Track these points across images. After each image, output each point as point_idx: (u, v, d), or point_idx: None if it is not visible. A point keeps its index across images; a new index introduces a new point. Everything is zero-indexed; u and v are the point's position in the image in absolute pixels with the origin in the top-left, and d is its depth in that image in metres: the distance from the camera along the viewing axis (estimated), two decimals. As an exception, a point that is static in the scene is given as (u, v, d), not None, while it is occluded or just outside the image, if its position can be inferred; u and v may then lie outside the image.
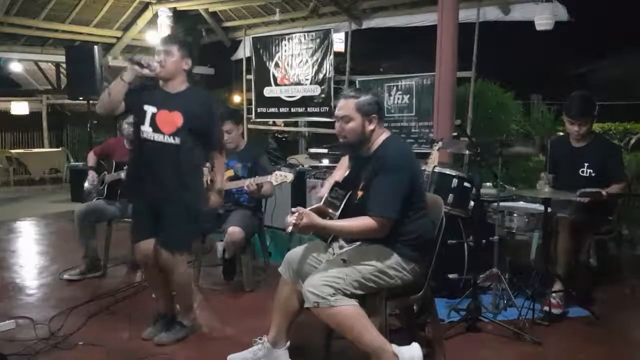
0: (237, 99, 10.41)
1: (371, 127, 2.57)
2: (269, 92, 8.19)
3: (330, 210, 2.58)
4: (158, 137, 3.00)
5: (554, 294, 3.43)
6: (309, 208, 2.47)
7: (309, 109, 7.76)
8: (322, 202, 2.62)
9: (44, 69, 11.48)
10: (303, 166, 5.55)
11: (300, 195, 5.06)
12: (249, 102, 8.55)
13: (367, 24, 7.79)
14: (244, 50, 8.95)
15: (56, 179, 10.43)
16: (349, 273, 2.41)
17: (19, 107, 10.76)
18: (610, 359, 3.02)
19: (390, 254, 2.51)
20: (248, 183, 3.81)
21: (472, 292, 3.32)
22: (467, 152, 4.23)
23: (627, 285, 3.90)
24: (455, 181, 3.73)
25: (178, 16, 8.75)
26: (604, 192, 3.58)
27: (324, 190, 2.77)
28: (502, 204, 3.78)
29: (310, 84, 7.67)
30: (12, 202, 8.42)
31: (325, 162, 5.53)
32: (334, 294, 2.35)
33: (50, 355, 2.93)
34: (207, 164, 4.12)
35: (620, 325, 3.42)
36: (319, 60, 7.54)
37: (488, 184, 4.24)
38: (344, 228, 2.50)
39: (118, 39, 9.65)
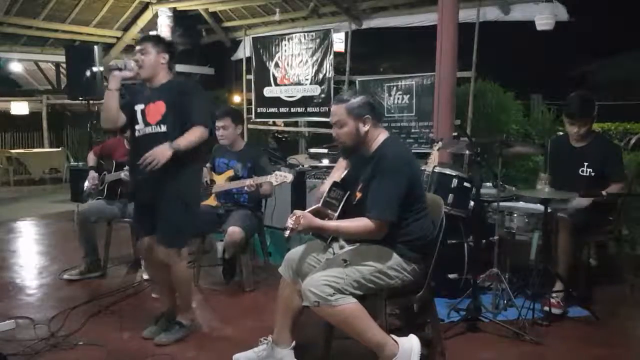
0: (237, 99, 10.41)
1: (365, 128, 2.57)
2: (269, 92, 8.19)
3: (329, 211, 2.58)
4: (148, 129, 3.05)
5: (554, 294, 3.43)
6: (307, 209, 2.47)
7: (308, 109, 7.76)
8: (320, 203, 2.62)
9: (44, 69, 11.48)
10: (303, 166, 5.55)
11: (300, 195, 5.06)
12: (249, 102, 8.55)
13: (367, 24, 7.79)
14: (244, 50, 8.95)
15: (56, 179, 10.43)
16: (349, 273, 2.42)
17: (19, 107, 10.75)
18: (610, 359, 3.02)
19: (391, 255, 2.51)
20: (248, 183, 3.81)
21: (472, 292, 3.32)
22: (467, 152, 4.22)
23: (627, 285, 3.90)
24: (455, 181, 3.73)
25: (178, 16, 8.75)
26: (604, 193, 3.59)
27: (321, 190, 2.78)
28: (502, 204, 3.78)
29: (310, 84, 7.67)
30: (12, 202, 8.42)
31: (325, 162, 5.53)
32: (333, 293, 2.36)
33: (50, 355, 2.93)
34: (207, 165, 4.15)
35: (620, 325, 3.42)
36: (319, 60, 7.54)
37: (488, 184, 4.24)
38: (342, 229, 2.51)
39: (118, 39, 9.65)
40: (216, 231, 4.08)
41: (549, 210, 3.45)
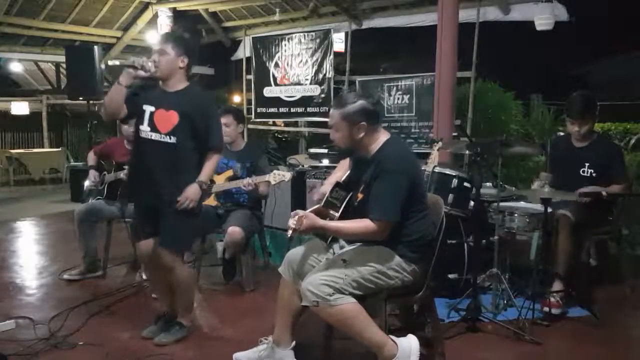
0: (237, 99, 10.42)
1: (360, 134, 2.56)
2: (268, 92, 8.19)
3: (331, 211, 2.58)
4: (155, 136, 2.99)
5: (553, 294, 3.43)
6: (309, 209, 2.47)
7: (308, 109, 7.76)
8: (322, 203, 2.62)
9: (44, 69, 11.48)
10: (303, 166, 5.55)
11: (300, 195, 5.06)
12: (249, 102, 8.55)
13: (367, 24, 7.79)
14: (244, 50, 8.95)
15: (56, 179, 10.43)
16: (348, 273, 2.42)
17: (19, 107, 10.75)
18: (610, 359, 3.02)
19: (391, 255, 2.51)
20: (246, 182, 3.81)
21: (472, 292, 3.32)
22: (467, 152, 4.23)
23: (627, 285, 3.89)
24: (455, 181, 3.73)
25: (178, 16, 8.75)
26: (604, 192, 3.59)
27: (323, 190, 2.78)
28: (502, 204, 3.78)
29: (310, 84, 7.67)
30: (12, 202, 8.42)
31: (325, 162, 5.53)
32: (333, 293, 2.36)
33: (50, 355, 2.93)
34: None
35: (620, 325, 3.42)
36: (319, 60, 7.54)
37: (488, 184, 4.24)
38: (344, 229, 2.51)
39: (118, 39, 9.65)
40: (216, 231, 4.08)
41: (549, 210, 3.45)
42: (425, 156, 3.97)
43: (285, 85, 7.98)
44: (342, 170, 2.90)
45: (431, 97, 5.62)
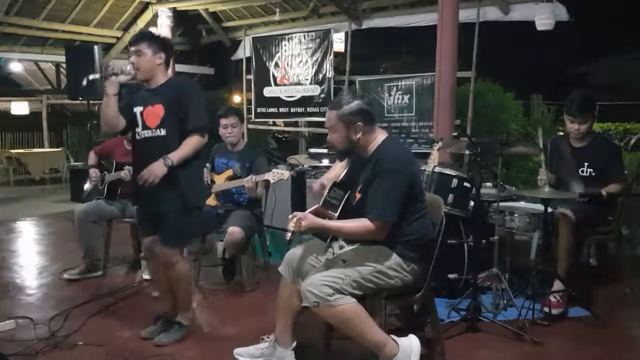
0: (237, 99, 10.41)
1: (357, 135, 2.56)
2: (268, 92, 8.19)
3: (329, 211, 2.58)
4: (147, 133, 3.02)
5: (554, 294, 3.43)
6: (308, 210, 2.47)
7: (308, 109, 7.76)
8: (320, 202, 2.62)
9: (44, 69, 11.48)
10: (303, 166, 5.55)
11: (300, 195, 5.06)
12: (249, 102, 8.55)
13: (367, 24, 7.79)
14: (244, 50, 8.95)
15: (56, 179, 10.43)
16: (348, 273, 2.42)
17: (19, 107, 10.75)
18: (610, 359, 3.02)
19: (390, 255, 2.51)
20: (246, 181, 3.81)
21: (472, 292, 3.32)
22: (467, 152, 4.22)
23: (627, 285, 3.90)
24: (455, 181, 3.73)
25: (178, 16, 8.75)
26: (603, 192, 3.59)
27: (316, 187, 2.80)
28: (502, 204, 3.78)
29: (310, 84, 7.67)
30: (12, 202, 8.42)
31: (325, 162, 5.52)
32: (333, 293, 2.36)
33: (50, 355, 2.93)
34: (207, 165, 4.15)
35: (620, 326, 3.41)
36: (319, 60, 7.54)
37: (488, 184, 4.24)
38: (344, 229, 2.51)
39: (118, 39, 9.66)
40: (216, 231, 4.07)
41: (549, 209, 3.45)
42: (425, 156, 3.97)
43: (285, 85, 7.99)
44: (337, 169, 2.90)
45: (431, 97, 5.63)
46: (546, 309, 3.38)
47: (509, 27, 6.83)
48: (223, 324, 3.42)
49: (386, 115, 6.86)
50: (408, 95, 6.73)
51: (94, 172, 4.46)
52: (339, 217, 2.55)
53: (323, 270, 2.46)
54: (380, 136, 2.61)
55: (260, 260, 4.45)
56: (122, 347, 3.03)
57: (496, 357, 2.99)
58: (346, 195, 2.61)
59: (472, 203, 3.81)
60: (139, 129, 3.05)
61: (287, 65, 7.93)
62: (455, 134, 5.00)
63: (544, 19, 5.98)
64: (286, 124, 9.50)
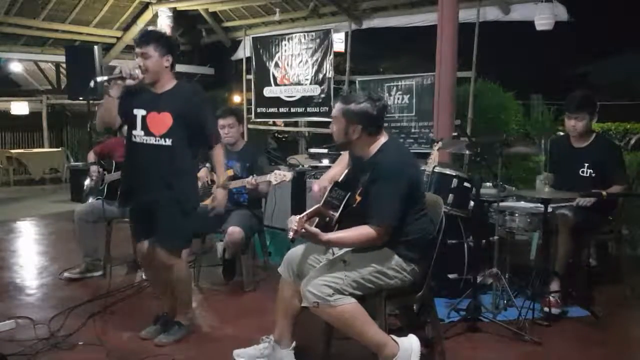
0: (237, 99, 10.41)
1: (355, 135, 2.54)
2: (268, 92, 8.19)
3: (330, 212, 2.57)
4: (150, 140, 2.95)
5: (553, 294, 3.43)
6: (308, 210, 2.47)
7: (308, 109, 7.76)
8: (321, 203, 2.62)
9: (44, 69, 11.48)
10: (303, 166, 5.55)
11: (300, 196, 5.06)
12: (249, 102, 8.55)
13: (367, 24, 7.79)
14: (244, 50, 8.95)
15: (56, 179, 10.43)
16: (348, 274, 2.42)
17: (19, 107, 10.75)
18: (610, 359, 3.02)
19: (390, 255, 2.51)
20: (247, 181, 3.81)
21: (472, 292, 3.32)
22: (467, 152, 4.22)
23: (627, 285, 3.89)
24: (455, 181, 3.73)
25: (178, 16, 8.75)
26: (604, 193, 3.58)
27: (316, 187, 2.80)
28: (502, 204, 3.78)
29: (310, 84, 7.67)
30: (12, 202, 8.42)
31: (325, 162, 5.52)
32: (333, 294, 2.36)
33: (50, 355, 2.93)
34: (207, 165, 4.14)
35: (620, 326, 3.41)
36: (319, 60, 7.54)
37: (488, 184, 4.24)
38: (344, 239, 2.46)
39: (118, 39, 9.66)
40: (216, 231, 4.07)
41: (549, 210, 3.45)
42: (425, 156, 3.97)
43: (285, 85, 7.99)
44: (341, 165, 2.88)
45: (431, 97, 5.63)
46: (546, 309, 3.37)
47: (509, 27, 6.82)
48: (223, 324, 3.42)
49: (386, 115, 6.84)
50: (408, 95, 6.73)
51: (94, 169, 4.42)
52: (340, 218, 2.55)
53: (323, 271, 2.46)
54: (381, 138, 2.59)
55: (260, 260, 4.46)
56: (122, 347, 3.03)
57: (496, 357, 2.99)
58: (347, 196, 2.61)
59: (472, 203, 3.81)
60: (137, 132, 2.97)
61: (287, 65, 7.93)
62: (455, 134, 4.99)
63: (543, 19, 5.97)
64: (286, 124, 9.50)
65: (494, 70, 7.14)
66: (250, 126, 8.59)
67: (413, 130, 6.70)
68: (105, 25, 9.33)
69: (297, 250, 2.74)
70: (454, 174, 3.77)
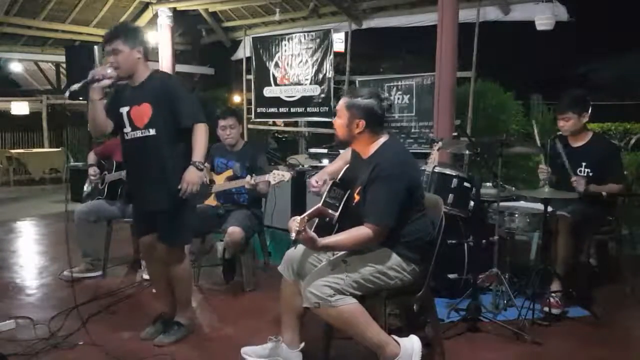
0: (237, 99, 10.41)
1: (357, 130, 2.54)
2: (268, 92, 8.19)
3: (330, 211, 2.57)
4: (137, 134, 2.98)
5: (553, 294, 3.43)
6: (309, 210, 2.46)
7: (308, 109, 7.75)
8: (321, 203, 2.62)
9: (44, 69, 11.49)
10: (303, 166, 5.55)
11: (300, 196, 5.06)
12: (249, 102, 8.55)
13: (367, 24, 7.78)
14: (244, 50, 8.95)
15: (56, 179, 10.43)
16: (349, 274, 2.42)
17: (19, 107, 10.76)
18: (610, 359, 3.02)
19: (390, 255, 2.51)
20: (246, 181, 3.81)
21: (472, 292, 3.32)
22: (467, 152, 4.22)
23: (627, 285, 3.90)
24: (455, 181, 3.73)
25: (178, 16, 8.75)
26: (604, 193, 3.59)
27: (313, 182, 2.80)
28: (502, 204, 3.78)
29: (310, 84, 7.67)
30: (12, 202, 8.42)
31: (325, 162, 5.52)
32: (333, 294, 2.36)
33: (50, 355, 2.93)
34: (206, 164, 4.14)
35: (620, 326, 3.41)
36: (319, 60, 7.53)
37: (488, 184, 4.24)
38: (342, 242, 2.44)
39: (118, 39, 9.64)
40: (216, 231, 4.07)
41: (549, 210, 3.45)
42: (425, 156, 3.97)
43: (285, 85, 7.98)
44: (343, 160, 2.87)
45: (431, 97, 5.63)
46: (546, 309, 3.38)
47: (509, 27, 6.82)
48: (223, 324, 3.42)
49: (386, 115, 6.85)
50: (408, 95, 6.73)
51: (92, 171, 4.43)
52: (340, 216, 2.55)
53: (324, 271, 2.46)
54: (381, 138, 2.59)
55: (260, 260, 4.46)
56: (122, 347, 3.03)
57: (496, 357, 2.99)
58: (346, 194, 2.61)
59: (472, 203, 3.81)
60: (127, 130, 3.00)
61: (287, 65, 7.92)
62: (455, 134, 4.99)
63: (544, 19, 5.97)
64: (286, 124, 9.51)
65: (494, 70, 7.14)
66: (250, 126, 8.59)
67: (413, 130, 6.70)
68: (105, 25, 9.30)
69: (297, 249, 2.74)
70: (454, 174, 3.77)
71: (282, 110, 8.09)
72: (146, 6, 8.97)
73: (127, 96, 3.01)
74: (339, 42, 8.07)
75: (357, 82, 7.48)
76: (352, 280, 2.41)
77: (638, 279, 3.97)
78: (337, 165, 2.88)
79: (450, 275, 3.66)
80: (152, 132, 2.95)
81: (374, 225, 2.42)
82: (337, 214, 2.56)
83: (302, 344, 2.73)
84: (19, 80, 12.53)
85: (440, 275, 3.54)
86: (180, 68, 9.95)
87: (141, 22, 9.26)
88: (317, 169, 5.36)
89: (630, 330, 3.40)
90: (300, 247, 2.74)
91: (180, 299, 3.20)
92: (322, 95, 7.52)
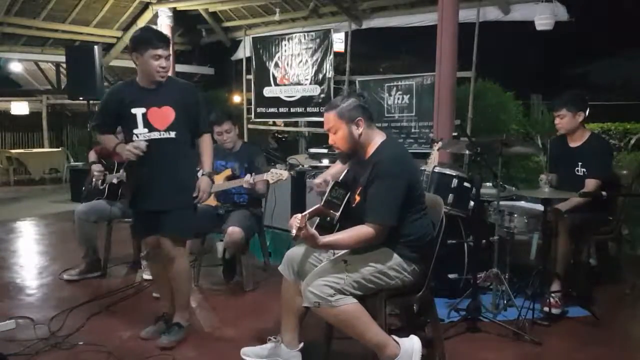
0: (237, 99, 10.41)
1: (359, 130, 2.55)
2: (268, 92, 8.19)
3: (331, 211, 2.57)
4: (154, 135, 3.01)
5: (553, 294, 3.43)
6: (310, 209, 2.47)
7: (308, 109, 7.76)
8: (322, 202, 2.62)
9: (44, 69, 11.48)
10: (303, 166, 5.55)
11: (300, 196, 5.05)
12: (249, 102, 8.55)
13: (367, 24, 7.78)
14: (244, 50, 8.95)
15: (56, 179, 10.43)
16: (349, 274, 2.42)
17: (19, 107, 10.76)
18: (610, 359, 3.02)
19: (391, 255, 2.51)
20: (245, 180, 3.82)
21: (472, 292, 3.32)
22: (467, 152, 4.22)
23: (627, 285, 3.90)
24: (455, 181, 3.73)
25: (178, 16, 8.75)
26: (603, 193, 3.58)
27: (317, 182, 2.81)
28: (502, 203, 3.78)
29: (310, 84, 7.67)
30: (12, 202, 8.42)
31: (325, 162, 5.52)
32: (334, 294, 2.36)
33: (50, 355, 2.94)
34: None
35: (620, 325, 3.42)
36: (319, 60, 7.53)
37: (488, 184, 4.25)
38: (342, 241, 2.44)
39: (118, 39, 9.65)
40: (216, 231, 4.08)
41: (549, 210, 3.45)
42: (425, 156, 3.97)
43: (285, 85, 7.98)
44: (340, 165, 2.89)
45: (431, 97, 5.62)
46: (546, 309, 3.38)
47: (509, 27, 6.82)
48: (223, 324, 3.42)
49: (386, 115, 6.86)
50: (408, 95, 6.73)
51: (98, 168, 4.33)
52: (341, 217, 2.55)
53: (324, 271, 2.46)
54: (379, 138, 2.59)
55: (260, 261, 4.46)
56: (122, 347, 3.03)
57: (496, 357, 3.00)
58: (347, 194, 2.61)
59: (472, 203, 3.81)
60: (141, 130, 3.00)
61: (287, 65, 7.92)
62: (455, 134, 4.99)
63: (544, 19, 5.97)
64: (286, 124, 9.50)
65: (494, 70, 7.14)
66: (250, 126, 8.59)
67: (413, 130, 6.70)
68: (105, 25, 9.32)
69: (298, 249, 2.74)
70: (454, 174, 3.77)
71: (282, 110, 8.09)
72: (146, 6, 8.97)
73: (142, 97, 3.01)
74: (338, 42, 8.06)
75: (357, 82, 7.48)
76: (352, 280, 2.41)
77: (638, 279, 3.97)
78: (338, 167, 2.90)
79: (450, 275, 3.67)
80: (172, 134, 3.03)
81: (375, 224, 2.42)
82: (338, 213, 2.56)
83: (302, 344, 2.73)
84: (19, 80, 12.52)
85: (440, 275, 3.54)
86: (180, 68, 9.96)
87: (141, 22, 9.26)
88: (317, 169, 5.36)
89: (630, 330, 3.41)
90: (301, 247, 2.74)
91: (179, 299, 3.20)
92: (322, 95, 7.52)
